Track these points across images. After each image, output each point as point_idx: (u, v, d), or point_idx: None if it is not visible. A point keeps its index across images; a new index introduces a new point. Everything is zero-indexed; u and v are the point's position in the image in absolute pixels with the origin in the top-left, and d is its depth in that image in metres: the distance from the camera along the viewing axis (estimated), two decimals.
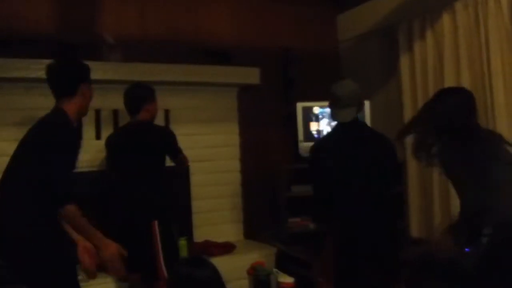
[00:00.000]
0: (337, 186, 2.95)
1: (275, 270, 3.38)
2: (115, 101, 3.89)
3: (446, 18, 3.91)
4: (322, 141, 3.32)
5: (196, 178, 4.39)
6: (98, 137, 3.98)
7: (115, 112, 4.03)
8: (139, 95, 3.44)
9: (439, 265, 3.46)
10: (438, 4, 3.99)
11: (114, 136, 3.60)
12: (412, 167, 4.25)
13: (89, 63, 3.54)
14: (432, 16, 4.04)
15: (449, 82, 3.83)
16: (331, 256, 2.98)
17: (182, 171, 4.06)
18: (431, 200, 4.08)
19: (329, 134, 3.22)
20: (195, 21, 4.54)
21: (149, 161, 3.37)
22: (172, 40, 4.36)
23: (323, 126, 4.65)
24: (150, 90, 3.49)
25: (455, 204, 3.78)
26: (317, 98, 4.64)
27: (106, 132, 3.94)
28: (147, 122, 3.46)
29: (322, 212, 3.08)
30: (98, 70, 3.61)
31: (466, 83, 3.67)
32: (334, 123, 3.16)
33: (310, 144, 4.48)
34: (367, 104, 4.41)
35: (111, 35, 4.01)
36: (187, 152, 3.97)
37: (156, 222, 3.21)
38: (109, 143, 3.53)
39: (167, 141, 3.48)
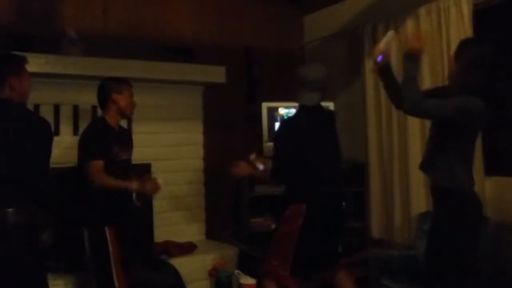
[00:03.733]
0: (301, 166, 3.02)
1: (237, 271, 3.37)
2: (75, 96, 3.87)
3: (409, 23, 3.98)
4: (290, 121, 3.33)
5: (158, 177, 4.30)
6: (56, 133, 3.78)
7: (75, 108, 3.92)
8: (107, 86, 3.25)
9: (396, 264, 3.54)
10: (402, 9, 4.05)
11: None
12: (374, 168, 4.30)
13: (48, 57, 3.50)
14: (396, 20, 4.09)
15: None
16: (288, 239, 3.00)
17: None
18: (391, 201, 4.13)
19: (295, 115, 3.23)
20: (159, 17, 4.47)
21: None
22: (135, 36, 4.28)
23: None
24: (122, 82, 3.30)
25: (415, 205, 3.86)
26: (282, 98, 4.65)
27: (66, 128, 3.86)
28: (97, 117, 3.32)
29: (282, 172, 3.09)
30: (57, 64, 3.60)
31: (427, 86, 3.72)
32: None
33: None
34: (331, 105, 4.44)
35: (72, 29, 3.90)
36: (148, 151, 3.91)
37: (107, 228, 3.08)
38: None
39: (83, 138, 3.21)
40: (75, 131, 3.89)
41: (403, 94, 2.50)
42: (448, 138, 2.54)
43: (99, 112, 3.45)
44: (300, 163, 3.04)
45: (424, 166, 2.70)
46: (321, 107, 3.16)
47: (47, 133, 2.73)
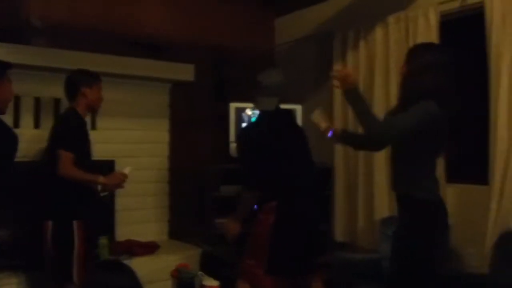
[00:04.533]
0: (269, 168, 3.04)
1: (200, 273, 3.33)
2: (37, 88, 3.76)
3: (378, 31, 4.04)
4: (250, 128, 3.37)
5: None
6: (16, 125, 3.66)
7: (37, 100, 3.81)
8: (76, 79, 3.22)
9: (359, 267, 3.59)
10: (372, 16, 4.11)
11: None
12: (340, 171, 4.35)
13: (9, 46, 3.38)
14: (366, 27, 4.15)
15: (379, 92, 3.96)
16: (262, 237, 3.02)
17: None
18: (355, 205, 4.18)
19: (256, 122, 3.28)
20: (130, 12, 4.39)
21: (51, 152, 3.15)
22: (104, 29, 4.19)
23: None
24: (91, 75, 3.27)
25: (379, 210, 3.92)
26: (250, 99, 4.64)
27: (26, 121, 3.75)
28: (68, 109, 3.24)
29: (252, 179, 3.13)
30: (19, 54, 3.47)
31: (394, 94, 3.77)
32: None
33: None
34: (299, 108, 4.45)
35: (38, 18, 3.78)
36: (113, 147, 3.84)
37: (75, 222, 3.07)
38: None
39: (57, 129, 3.18)
40: (36, 125, 3.78)
41: (367, 134, 2.56)
42: (408, 149, 2.56)
43: (63, 105, 3.39)
44: (268, 166, 3.05)
45: (394, 185, 2.73)
46: (280, 110, 3.19)
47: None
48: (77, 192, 3.09)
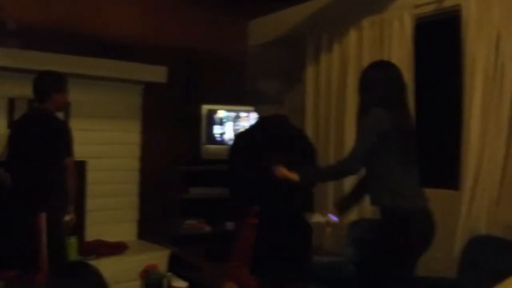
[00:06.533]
0: (258, 174, 3.04)
1: (169, 274, 3.30)
2: (11, 89, 3.77)
3: (352, 34, 4.05)
4: (244, 131, 3.41)
5: (92, 175, 4.24)
6: None
7: (11, 101, 3.80)
8: (48, 82, 3.30)
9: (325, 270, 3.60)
10: (346, 19, 4.12)
11: (13, 123, 3.49)
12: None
13: None
14: (340, 30, 4.16)
15: (351, 93, 3.95)
16: (247, 239, 3.03)
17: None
18: (325, 206, 4.15)
19: (251, 126, 3.35)
20: (102, 13, 4.36)
21: (39, 152, 3.23)
22: (76, 30, 4.16)
23: (227, 129, 4.63)
24: (61, 79, 3.36)
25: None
26: (222, 101, 4.64)
27: (0, 121, 3.75)
28: (47, 112, 3.30)
29: (238, 190, 3.21)
30: None
31: None
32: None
33: (213, 146, 4.53)
34: None
35: (12, 19, 3.74)
36: (84, 148, 3.80)
37: (43, 215, 3.10)
38: (9, 131, 3.43)
39: (59, 137, 3.29)
40: (10, 125, 3.75)
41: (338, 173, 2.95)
42: (374, 162, 2.66)
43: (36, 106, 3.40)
44: (252, 170, 3.07)
45: (372, 201, 2.78)
46: (276, 116, 3.19)
47: None
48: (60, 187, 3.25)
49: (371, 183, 2.76)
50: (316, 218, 3.29)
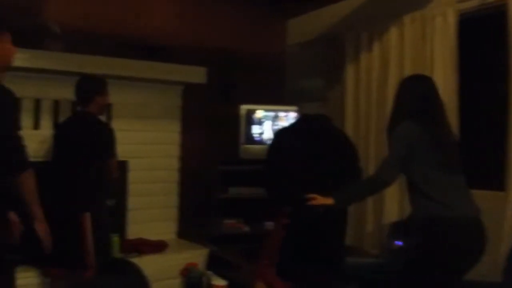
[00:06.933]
0: (293, 173, 3.04)
1: (209, 272, 3.33)
2: (56, 91, 3.88)
3: (393, 31, 3.98)
4: (285, 129, 3.40)
5: (134, 175, 4.30)
6: (36, 127, 3.84)
7: (56, 103, 3.92)
8: (90, 86, 3.41)
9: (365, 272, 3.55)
10: (386, 16, 4.05)
11: (58, 126, 3.60)
12: None
13: (31, 52, 3.50)
14: (380, 28, 4.10)
15: (392, 93, 3.83)
16: (279, 239, 3.04)
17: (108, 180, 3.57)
18: (364, 208, 4.13)
19: (293, 124, 3.35)
20: (140, 16, 4.44)
21: (83, 153, 3.31)
22: (116, 33, 4.25)
23: (266, 129, 4.63)
24: (101, 82, 3.46)
25: (388, 214, 3.87)
26: (260, 101, 4.64)
27: (45, 122, 3.87)
28: (90, 115, 3.40)
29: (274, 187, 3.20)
30: (39, 59, 3.63)
31: None
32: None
33: (251, 146, 4.54)
34: None
35: (56, 24, 3.86)
36: (126, 148, 3.87)
37: (87, 215, 3.17)
38: (54, 133, 3.53)
39: (102, 138, 3.39)
40: (55, 126, 3.87)
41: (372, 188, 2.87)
42: (411, 173, 2.64)
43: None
44: (287, 168, 3.07)
45: (413, 211, 2.74)
46: (317, 115, 3.17)
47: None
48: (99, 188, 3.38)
49: (410, 194, 2.72)
50: None
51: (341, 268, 3.15)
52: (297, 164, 3.05)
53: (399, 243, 3.09)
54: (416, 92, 2.74)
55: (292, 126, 3.31)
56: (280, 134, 3.30)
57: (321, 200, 2.84)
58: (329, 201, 2.81)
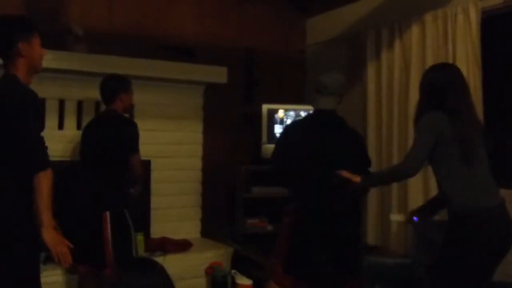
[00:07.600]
0: (301, 167, 3.03)
1: (233, 271, 3.36)
2: (80, 92, 3.95)
3: (414, 29, 3.95)
4: (297, 122, 3.41)
5: (157, 174, 4.35)
6: (60, 127, 3.93)
7: (80, 103, 3.99)
8: (115, 84, 3.45)
9: (390, 272, 3.52)
10: (407, 14, 4.03)
11: (85, 127, 3.62)
12: None
13: (55, 53, 3.56)
14: (401, 26, 4.08)
15: (414, 92, 3.83)
16: (286, 238, 3.04)
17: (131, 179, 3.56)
18: (388, 207, 4.12)
19: (305, 117, 3.34)
20: (161, 17, 4.50)
21: (109, 151, 3.35)
22: (139, 34, 4.32)
23: None
24: (126, 81, 3.50)
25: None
26: (282, 100, 4.65)
27: (70, 122, 3.96)
28: (116, 113, 3.44)
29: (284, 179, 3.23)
30: (63, 60, 3.70)
31: None
32: None
33: (273, 146, 4.55)
34: None
35: (79, 25, 3.93)
36: (149, 148, 3.91)
37: (107, 214, 3.21)
38: (82, 134, 3.57)
39: (126, 134, 3.41)
40: (78, 126, 3.97)
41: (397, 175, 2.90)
42: (438, 165, 2.63)
43: (102, 107, 3.61)
44: (293, 164, 3.07)
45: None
46: (336, 114, 3.17)
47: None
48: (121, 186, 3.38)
49: (438, 185, 2.71)
50: (396, 218, 3.30)
51: (358, 266, 3.14)
52: (303, 160, 3.03)
53: (416, 219, 3.07)
54: (445, 81, 2.67)
55: (303, 120, 3.29)
56: (289, 128, 3.28)
57: (350, 175, 2.87)
58: (357, 178, 2.85)
